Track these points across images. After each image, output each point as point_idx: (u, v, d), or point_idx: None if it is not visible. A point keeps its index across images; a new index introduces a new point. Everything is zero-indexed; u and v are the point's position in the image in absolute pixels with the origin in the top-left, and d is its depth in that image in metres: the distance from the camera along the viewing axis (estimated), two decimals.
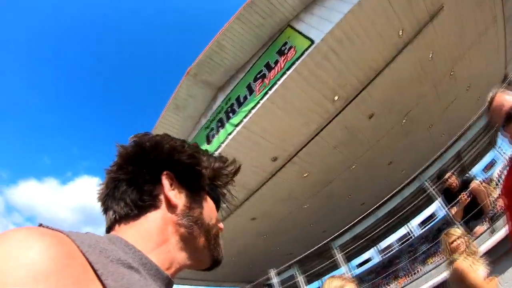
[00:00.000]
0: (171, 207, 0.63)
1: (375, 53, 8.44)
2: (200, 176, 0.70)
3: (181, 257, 0.63)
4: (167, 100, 9.66)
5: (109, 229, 0.63)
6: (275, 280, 6.89)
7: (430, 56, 9.38)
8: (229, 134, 8.75)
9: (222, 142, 8.91)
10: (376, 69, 8.73)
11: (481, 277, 3.05)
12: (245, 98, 8.78)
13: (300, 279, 12.90)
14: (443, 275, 3.74)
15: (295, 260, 10.98)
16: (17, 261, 0.36)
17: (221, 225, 0.74)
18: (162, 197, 0.64)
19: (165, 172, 0.65)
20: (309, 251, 9.14)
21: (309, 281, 23.45)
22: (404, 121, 11.43)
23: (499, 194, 1.59)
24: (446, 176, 5.21)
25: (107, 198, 0.65)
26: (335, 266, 24.78)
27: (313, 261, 16.66)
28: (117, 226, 0.62)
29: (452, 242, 3.38)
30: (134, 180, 0.63)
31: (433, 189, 12.95)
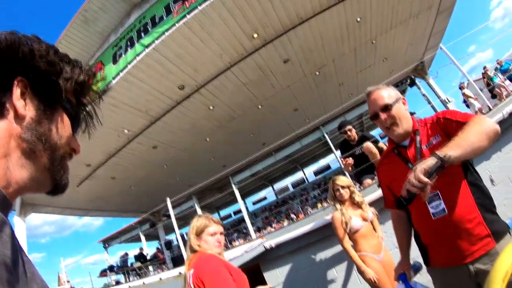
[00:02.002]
0: (17, 118, 0.57)
1: (306, 1, 8.20)
2: (57, 88, 0.62)
3: (20, 176, 0.56)
4: (75, 12, 8.32)
5: None
6: (171, 209, 6.94)
7: (358, 20, 9.48)
8: (138, 55, 8.02)
9: (129, 63, 8.11)
10: (302, 17, 8.55)
11: (342, 234, 3.42)
12: (161, 18, 7.95)
13: (199, 210, 13.21)
14: (328, 217, 4.08)
15: (193, 190, 11.07)
16: None
17: (76, 146, 0.68)
18: (9, 106, 0.56)
19: (18, 78, 0.57)
20: (206, 183, 9.24)
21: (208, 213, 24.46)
22: (317, 73, 11.70)
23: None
24: (347, 128, 5.50)
25: None
26: (232, 201, 26.25)
27: (213, 194, 17.20)
28: None
29: (336, 191, 3.62)
30: None
31: (331, 142, 13.89)
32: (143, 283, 5.28)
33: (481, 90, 10.23)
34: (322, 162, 28.01)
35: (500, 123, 4.43)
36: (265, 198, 28.70)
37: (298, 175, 28.30)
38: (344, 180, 3.68)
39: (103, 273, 15.49)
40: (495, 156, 4.27)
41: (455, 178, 1.75)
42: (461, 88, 13.05)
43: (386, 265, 3.32)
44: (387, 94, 1.96)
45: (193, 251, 2.33)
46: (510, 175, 1.81)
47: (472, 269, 1.70)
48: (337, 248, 4.41)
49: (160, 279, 4.89)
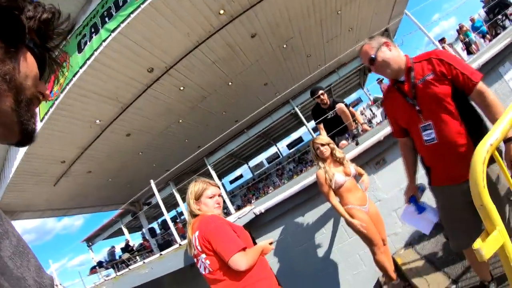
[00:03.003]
0: None
1: None
2: (19, 25, 0.59)
3: None
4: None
5: None
6: (156, 191, 6.76)
7: None
8: (104, 40, 7.69)
9: (96, 50, 7.75)
10: None
11: (327, 190, 3.59)
12: (125, 1, 7.54)
13: (177, 196, 13.08)
14: (312, 177, 4.27)
15: (169, 174, 10.91)
16: None
17: (44, 90, 0.66)
18: None
19: None
20: (182, 166, 9.06)
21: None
22: (284, 46, 11.78)
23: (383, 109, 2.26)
24: (320, 92, 5.74)
25: None
26: None
27: (190, 178, 17.01)
28: None
29: (317, 149, 3.78)
30: None
31: (302, 115, 14.12)
32: (144, 262, 5.32)
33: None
34: (294, 136, 28.35)
35: None
36: (241, 176, 28.88)
37: (272, 150, 28.60)
38: (323, 138, 3.82)
39: (92, 270, 15.23)
40: None
41: (447, 110, 2.03)
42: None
43: (372, 215, 3.55)
44: (368, 47, 2.27)
45: (194, 215, 2.43)
46: None
47: (465, 188, 1.92)
48: (323, 207, 4.63)
49: (161, 254, 4.97)
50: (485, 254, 1.11)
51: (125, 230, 18.54)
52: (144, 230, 18.52)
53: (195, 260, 2.32)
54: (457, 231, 2.23)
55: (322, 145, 3.72)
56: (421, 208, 2.44)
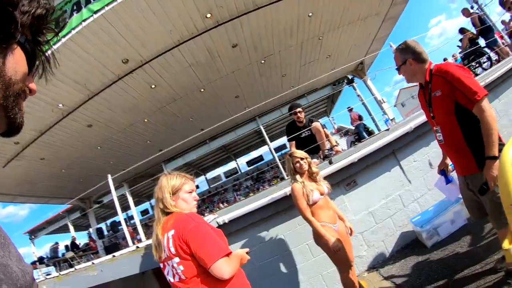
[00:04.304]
0: None
1: None
2: (11, 20, 0.57)
3: None
4: None
5: None
6: (113, 188, 6.22)
7: (309, 15, 9.89)
8: (84, 20, 7.28)
9: (74, 28, 7.33)
10: (258, 4, 8.64)
11: (305, 204, 3.47)
12: None
13: (130, 198, 12.37)
14: (281, 192, 4.16)
15: (124, 172, 10.41)
16: None
17: (31, 85, 0.66)
18: None
19: None
20: (139, 166, 8.59)
21: (138, 202, 23.46)
22: (262, 61, 11.91)
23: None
24: (298, 109, 5.71)
25: None
26: None
27: (144, 181, 16.48)
28: None
29: (295, 163, 3.69)
30: None
31: (266, 134, 14.18)
32: (92, 263, 4.85)
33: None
34: (254, 154, 28.47)
35: None
36: (197, 187, 28.30)
37: (231, 165, 28.50)
38: (300, 152, 3.77)
39: (32, 266, 14.18)
40: (433, 143, 4.78)
41: (450, 122, 2.47)
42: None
43: (342, 234, 3.47)
44: (397, 56, 2.71)
45: (167, 213, 2.12)
46: None
47: (465, 180, 2.59)
48: (289, 223, 4.53)
49: (113, 256, 4.57)
50: None
51: (71, 227, 17.58)
52: (91, 229, 17.62)
53: (162, 265, 2.02)
54: (467, 208, 2.80)
55: (301, 159, 3.66)
56: (447, 180, 2.99)
